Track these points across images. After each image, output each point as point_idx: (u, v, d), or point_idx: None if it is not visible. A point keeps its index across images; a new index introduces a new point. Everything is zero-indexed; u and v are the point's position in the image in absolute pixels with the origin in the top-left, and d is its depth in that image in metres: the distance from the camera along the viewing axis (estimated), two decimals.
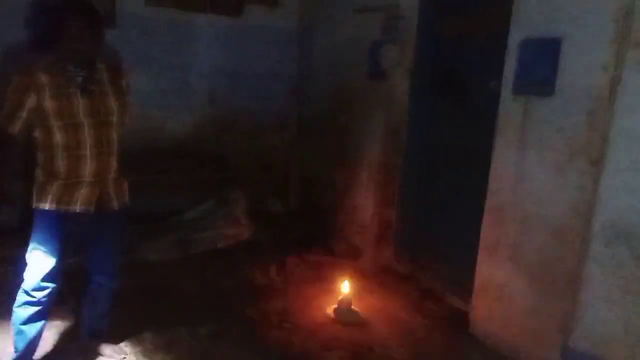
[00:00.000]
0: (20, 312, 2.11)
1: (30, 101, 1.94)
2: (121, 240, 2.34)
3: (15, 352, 2.16)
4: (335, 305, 3.02)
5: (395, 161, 3.69)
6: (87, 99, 2.02)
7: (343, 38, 4.02)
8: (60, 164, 2.02)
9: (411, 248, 3.66)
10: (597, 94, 2.23)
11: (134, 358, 2.42)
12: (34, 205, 2.05)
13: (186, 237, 3.75)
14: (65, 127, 1.98)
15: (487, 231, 2.80)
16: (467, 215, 3.04)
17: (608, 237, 2.16)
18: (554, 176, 2.43)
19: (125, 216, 2.25)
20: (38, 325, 2.15)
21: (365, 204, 3.82)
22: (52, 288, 2.11)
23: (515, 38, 2.57)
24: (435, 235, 3.44)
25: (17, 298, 2.12)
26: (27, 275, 2.09)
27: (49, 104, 1.95)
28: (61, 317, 2.62)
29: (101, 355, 2.37)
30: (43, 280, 2.07)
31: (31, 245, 2.07)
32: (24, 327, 2.12)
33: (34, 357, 2.24)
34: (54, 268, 2.08)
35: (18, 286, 2.12)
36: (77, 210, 2.05)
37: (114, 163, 2.14)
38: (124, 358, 2.41)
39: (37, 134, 2.02)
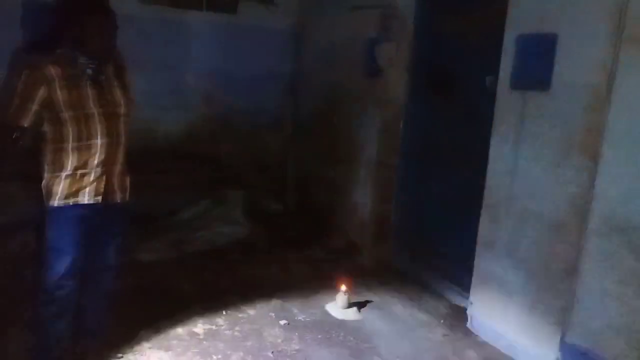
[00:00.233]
0: (43, 311, 2.12)
1: (41, 94, 1.96)
2: (122, 235, 2.34)
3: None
4: (334, 302, 3.03)
5: (393, 158, 3.70)
6: (97, 90, 2.05)
7: (339, 36, 4.02)
8: (70, 156, 2.03)
9: (409, 244, 3.67)
10: (593, 89, 2.24)
11: (131, 358, 2.41)
12: (45, 203, 2.05)
13: (183, 237, 3.74)
14: (77, 117, 2.01)
15: (485, 227, 2.81)
16: (465, 211, 3.05)
17: (604, 231, 2.18)
18: (550, 171, 2.45)
19: (127, 211, 2.26)
20: (60, 324, 2.15)
21: (363, 201, 3.83)
22: (72, 285, 2.12)
23: (511, 34, 2.59)
24: (434, 232, 3.45)
25: (39, 298, 2.11)
26: (45, 274, 2.09)
27: (59, 95, 1.97)
28: None
29: (98, 354, 2.36)
30: (62, 278, 2.08)
31: (48, 244, 2.08)
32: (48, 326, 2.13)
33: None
34: (72, 265, 2.08)
35: (39, 285, 2.11)
36: (86, 202, 2.07)
37: (120, 155, 2.17)
38: (121, 357, 2.40)
39: (47, 127, 2.03)
